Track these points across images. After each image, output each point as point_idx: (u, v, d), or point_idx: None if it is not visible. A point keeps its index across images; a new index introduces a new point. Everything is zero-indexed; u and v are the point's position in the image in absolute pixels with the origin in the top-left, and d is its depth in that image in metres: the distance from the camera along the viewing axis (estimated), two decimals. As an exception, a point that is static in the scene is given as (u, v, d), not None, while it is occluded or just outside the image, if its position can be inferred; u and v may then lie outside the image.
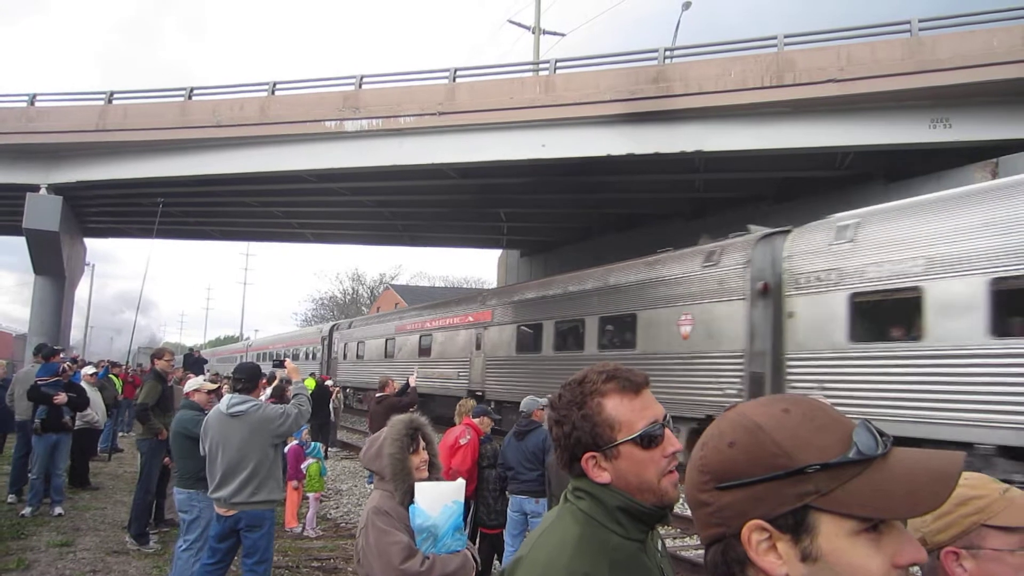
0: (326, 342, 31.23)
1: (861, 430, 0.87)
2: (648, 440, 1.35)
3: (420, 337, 21.20)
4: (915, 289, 8.37)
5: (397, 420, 3.06)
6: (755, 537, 0.85)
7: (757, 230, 10.93)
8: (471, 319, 18.39)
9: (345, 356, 27.89)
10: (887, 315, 8.87)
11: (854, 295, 9.04)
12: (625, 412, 1.36)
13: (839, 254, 9.30)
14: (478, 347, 17.55)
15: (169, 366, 8.21)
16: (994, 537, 1.28)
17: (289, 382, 5.94)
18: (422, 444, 3.02)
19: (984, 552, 1.28)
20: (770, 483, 0.85)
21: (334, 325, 32.28)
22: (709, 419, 10.14)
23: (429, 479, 2.96)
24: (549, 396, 1.48)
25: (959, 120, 13.03)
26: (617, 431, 1.35)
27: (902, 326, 8.68)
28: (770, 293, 10.22)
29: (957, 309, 7.96)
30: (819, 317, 9.43)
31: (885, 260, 8.72)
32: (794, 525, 0.84)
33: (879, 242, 8.90)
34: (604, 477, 1.35)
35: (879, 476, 0.84)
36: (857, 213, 9.66)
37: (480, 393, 16.41)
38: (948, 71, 12.52)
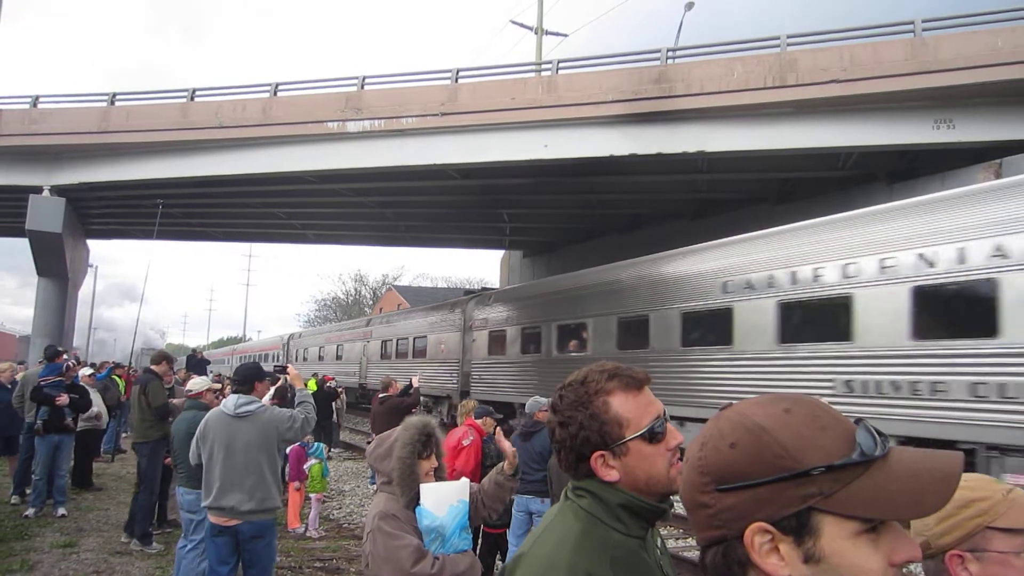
0: (286, 348, 39.55)
1: (862, 430, 0.87)
2: (654, 435, 1.37)
3: (337, 346, 30.72)
4: (535, 327, 16.08)
5: (411, 424, 2.96)
6: (758, 539, 0.84)
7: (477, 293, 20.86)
8: (360, 335, 28.07)
9: (296, 359, 36.07)
10: (499, 342, 17.39)
11: (491, 332, 17.85)
12: (631, 409, 1.38)
13: (485, 311, 18.43)
14: (364, 353, 26.94)
15: (167, 370, 8.19)
16: (998, 539, 1.27)
17: (293, 389, 5.80)
18: (433, 450, 2.97)
19: (989, 555, 1.27)
20: (774, 485, 0.84)
21: (291, 334, 41.93)
22: (448, 397, 19.76)
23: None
24: (551, 399, 1.46)
25: (962, 121, 13.00)
26: (625, 428, 1.36)
27: (528, 346, 16.33)
28: (468, 329, 19.15)
29: (529, 339, 16.32)
30: (480, 342, 18.30)
31: (501, 315, 17.60)
32: (797, 527, 0.83)
33: (499, 307, 17.89)
34: (612, 475, 1.35)
35: (882, 477, 0.83)
36: (496, 290, 20.92)
37: (363, 382, 26.24)
38: (951, 71, 12.49)
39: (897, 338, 8.38)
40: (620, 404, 1.37)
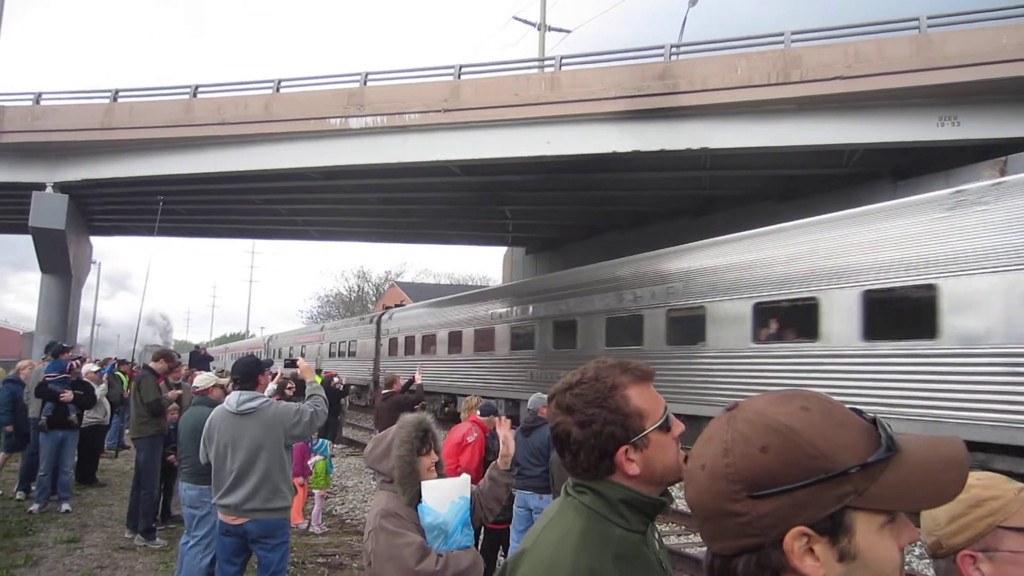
0: (267, 346, 44.74)
1: (880, 425, 0.87)
2: (667, 424, 1.39)
3: (302, 346, 37.28)
4: (411, 334, 22.99)
5: (406, 421, 2.95)
6: (797, 544, 0.82)
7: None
8: (317, 337, 35.51)
9: (274, 356, 40.81)
10: (394, 345, 24.13)
11: (391, 338, 24.33)
12: (646, 400, 1.38)
13: (388, 323, 25.04)
14: (319, 352, 32.89)
15: (165, 367, 8.20)
16: (1010, 539, 1.26)
17: (302, 382, 5.70)
18: (432, 445, 2.96)
19: (1001, 554, 1.26)
20: (810, 488, 0.82)
21: (270, 336, 48.49)
22: (367, 385, 26.63)
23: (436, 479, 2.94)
24: (558, 400, 1.42)
25: (967, 118, 12.95)
26: (645, 419, 1.36)
27: (411, 348, 22.70)
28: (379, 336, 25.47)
29: (445, 343, 20.25)
30: (385, 346, 24.99)
31: (404, 327, 23.50)
32: (832, 527, 0.83)
33: (402, 319, 24.26)
34: (635, 469, 1.35)
35: (902, 469, 0.84)
36: (395, 308, 27.99)
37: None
38: (956, 68, 12.45)
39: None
40: (637, 396, 1.38)
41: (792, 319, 10.00)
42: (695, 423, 8.51)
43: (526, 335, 16.49)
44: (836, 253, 9.28)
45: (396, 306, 29.11)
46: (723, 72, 14.20)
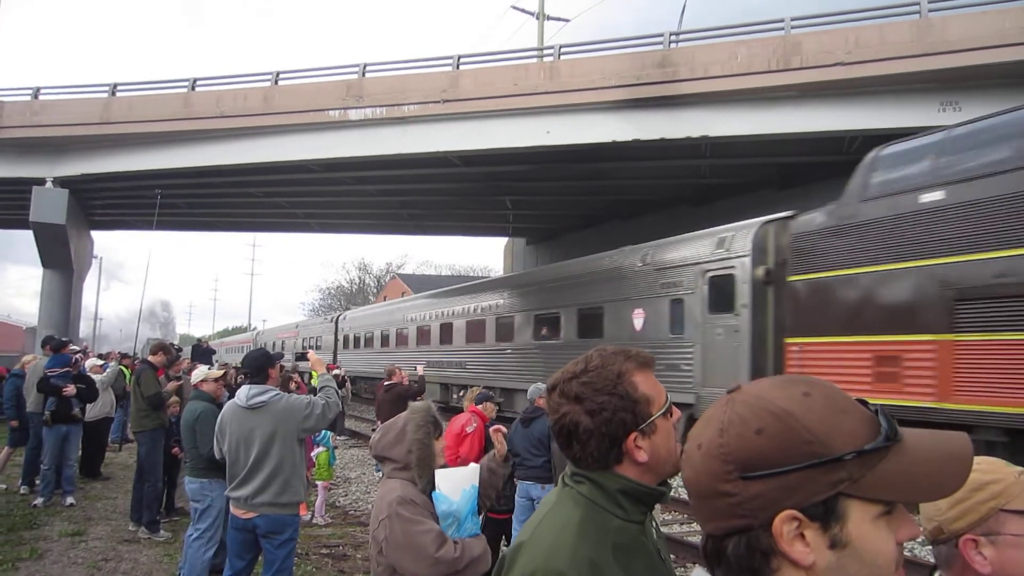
0: (255, 340, 46.85)
1: (881, 414, 0.87)
2: (670, 410, 1.39)
3: (282, 341, 40.07)
4: (358, 333, 29.09)
5: (418, 407, 2.95)
6: (786, 527, 0.82)
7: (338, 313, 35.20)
8: (294, 334, 39.41)
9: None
10: (347, 341, 29.92)
11: (344, 335, 30.25)
12: (651, 386, 1.39)
13: (346, 322, 30.87)
14: (294, 347, 34.85)
15: (163, 360, 8.22)
16: (1013, 522, 1.26)
17: (309, 375, 5.65)
18: (441, 431, 2.98)
19: (1003, 538, 1.25)
20: (803, 472, 0.82)
21: (259, 331, 53.05)
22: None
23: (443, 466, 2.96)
24: (562, 389, 1.39)
25: (969, 103, 12.87)
26: (652, 406, 1.36)
27: (358, 342, 28.59)
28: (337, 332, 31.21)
29: (382, 339, 26.07)
30: (343, 339, 30.46)
31: (355, 326, 29.78)
32: (824, 513, 0.82)
33: (352, 319, 30.72)
34: (643, 456, 1.34)
35: (903, 460, 0.83)
36: (351, 310, 37.38)
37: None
38: (958, 53, 12.37)
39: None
40: (642, 382, 1.37)
41: (550, 324, 15.75)
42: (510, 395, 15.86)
43: (432, 333, 21.74)
44: (569, 287, 15.13)
45: (347, 310, 38.87)
46: (723, 59, 14.14)
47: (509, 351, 17.13)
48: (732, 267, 10.55)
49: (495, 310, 17.96)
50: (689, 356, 11.21)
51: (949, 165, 7.85)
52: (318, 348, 31.92)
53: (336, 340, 31.01)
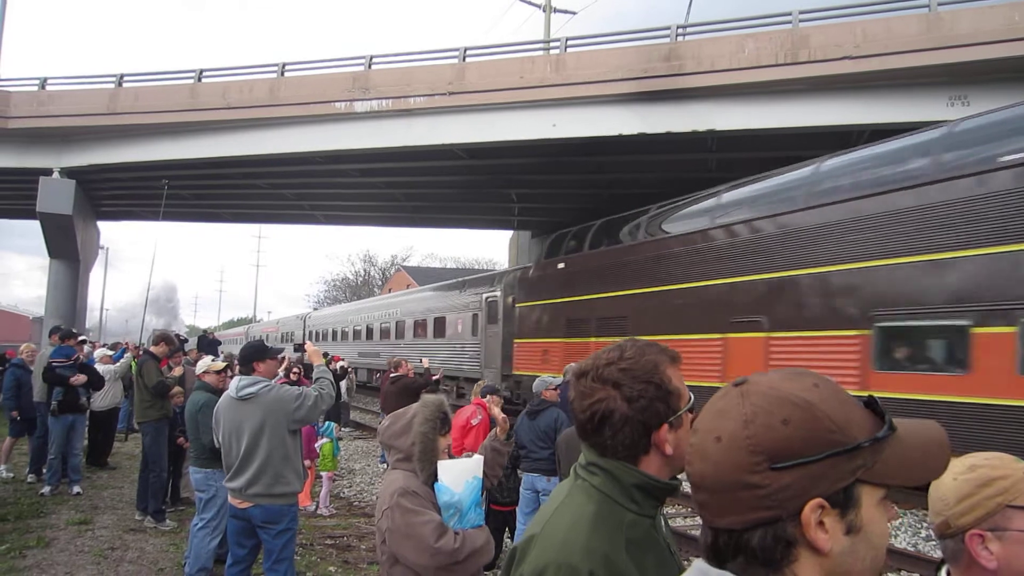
0: (247, 334, 49.67)
1: (876, 404, 0.90)
2: (692, 407, 1.40)
3: (266, 335, 40.24)
4: (325, 329, 36.10)
5: (430, 400, 2.98)
6: (813, 516, 0.84)
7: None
8: (275, 329, 43.89)
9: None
10: (323, 334, 34.87)
11: (311, 330, 37.29)
12: (680, 381, 1.40)
13: (312, 320, 39.20)
14: (274, 340, 37.40)
15: (166, 351, 8.25)
16: (1019, 518, 1.26)
17: (309, 365, 5.67)
18: (448, 428, 2.99)
19: (1010, 534, 1.26)
20: (828, 460, 0.84)
21: (250, 325, 56.83)
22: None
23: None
24: (599, 374, 1.38)
25: (977, 97, 12.79)
26: (681, 400, 1.37)
27: (334, 337, 33.41)
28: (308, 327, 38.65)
29: (338, 334, 33.19)
30: (310, 334, 36.38)
31: (319, 323, 37.71)
32: (844, 500, 0.85)
33: (318, 318, 39.26)
34: (669, 449, 1.34)
35: (900, 447, 0.87)
36: (317, 310, 46.01)
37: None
38: (967, 47, 12.28)
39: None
40: (674, 375, 1.38)
41: (423, 326, 22.48)
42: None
43: (362, 333, 29.16)
44: (429, 300, 22.79)
45: (314, 310, 46.22)
46: (730, 53, 14.06)
47: (402, 345, 23.76)
48: (497, 297, 17.75)
49: (394, 316, 25.81)
50: (479, 348, 18.39)
51: (569, 247, 15.92)
52: (291, 341, 33.65)
53: (304, 335, 37.71)
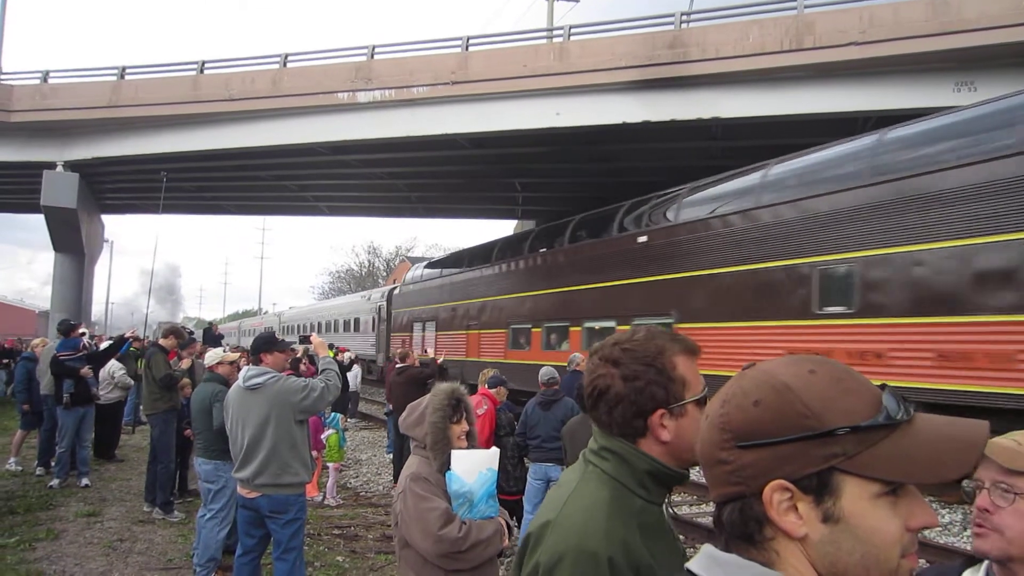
0: (239, 328, 58.14)
1: (888, 395, 0.87)
2: (704, 401, 1.39)
3: (252, 328, 50.37)
4: (292, 324, 45.19)
5: (440, 389, 3.04)
6: (776, 497, 0.85)
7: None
8: (260, 324, 48.54)
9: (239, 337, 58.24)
10: (291, 329, 42.25)
11: (283, 325, 45.46)
12: (691, 372, 1.40)
13: (285, 316, 49.89)
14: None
15: (174, 344, 8.28)
16: None
17: (314, 357, 5.71)
18: (463, 414, 3.03)
19: None
20: (796, 444, 0.84)
21: (241, 320, 61.16)
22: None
23: (466, 448, 3.01)
24: (602, 353, 1.42)
25: (984, 83, 12.67)
26: (687, 390, 1.38)
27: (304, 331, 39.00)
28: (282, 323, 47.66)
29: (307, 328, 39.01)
30: (283, 328, 43.40)
31: (290, 319, 47.02)
32: (818, 486, 0.84)
33: (290, 315, 48.88)
34: (666, 435, 1.35)
35: (905, 441, 0.84)
36: (291, 309, 57.03)
37: None
38: (974, 32, 12.14)
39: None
40: (683, 365, 1.39)
41: (353, 323, 31.61)
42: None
43: (322, 327, 35.52)
44: (348, 306, 34.39)
45: (289, 308, 55.01)
46: (735, 39, 13.96)
47: (339, 336, 30.79)
48: (382, 304, 26.79)
49: (336, 315, 34.71)
50: (375, 340, 27.32)
51: (413, 277, 25.06)
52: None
53: (279, 329, 43.29)
